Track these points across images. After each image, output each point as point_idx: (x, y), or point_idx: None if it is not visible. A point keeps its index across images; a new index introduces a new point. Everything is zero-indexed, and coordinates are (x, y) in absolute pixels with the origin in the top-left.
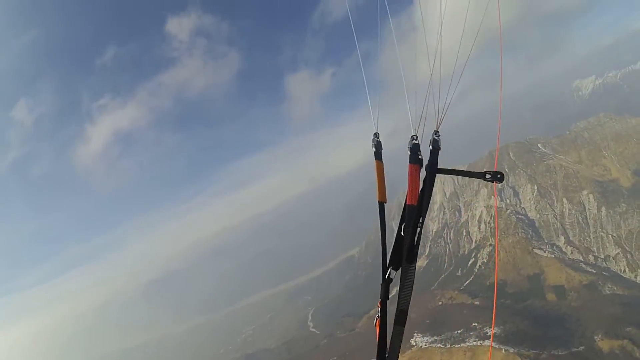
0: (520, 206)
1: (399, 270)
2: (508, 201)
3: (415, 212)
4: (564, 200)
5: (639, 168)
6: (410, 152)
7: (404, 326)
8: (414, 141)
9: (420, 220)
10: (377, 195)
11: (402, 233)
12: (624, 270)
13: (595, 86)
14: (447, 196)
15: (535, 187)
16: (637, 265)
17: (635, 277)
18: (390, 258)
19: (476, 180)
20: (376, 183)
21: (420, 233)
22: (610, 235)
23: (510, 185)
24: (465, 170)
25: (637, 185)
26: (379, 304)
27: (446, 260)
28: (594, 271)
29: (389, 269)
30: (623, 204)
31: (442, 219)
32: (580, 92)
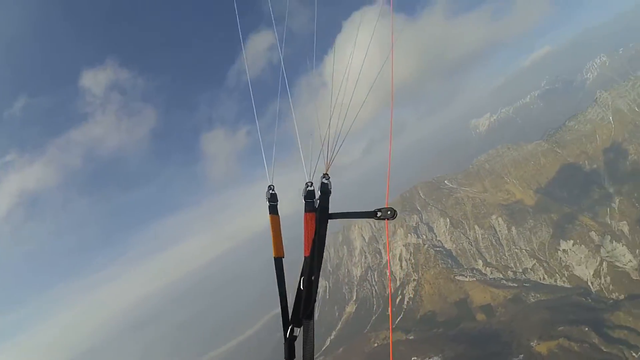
0: (436, 239)
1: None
2: (424, 237)
3: (309, 262)
4: (476, 227)
5: (540, 187)
6: (305, 200)
7: None
8: (308, 188)
9: (315, 272)
10: (272, 250)
11: (301, 287)
12: (543, 278)
13: (490, 122)
14: (367, 240)
15: (448, 220)
16: (554, 270)
17: (555, 282)
18: (292, 315)
19: (393, 222)
20: (271, 238)
21: (316, 285)
22: (523, 250)
23: (424, 221)
24: (356, 212)
25: (540, 202)
26: None
27: (374, 302)
28: (516, 285)
29: (290, 327)
30: (530, 220)
31: (365, 263)
32: (477, 130)
